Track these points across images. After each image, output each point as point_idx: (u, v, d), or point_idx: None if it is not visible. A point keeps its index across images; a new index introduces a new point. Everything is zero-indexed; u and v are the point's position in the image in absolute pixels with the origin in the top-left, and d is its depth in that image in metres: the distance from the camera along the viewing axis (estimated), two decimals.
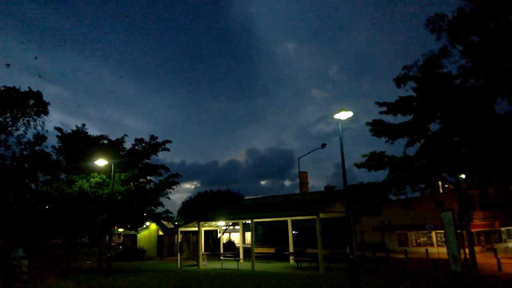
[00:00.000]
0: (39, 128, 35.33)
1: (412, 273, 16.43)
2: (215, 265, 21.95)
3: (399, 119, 18.73)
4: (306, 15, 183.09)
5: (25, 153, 34.94)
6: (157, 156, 24.45)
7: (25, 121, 34.05)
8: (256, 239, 22.80)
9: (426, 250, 26.40)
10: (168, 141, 24.06)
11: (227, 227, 30.18)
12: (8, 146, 33.93)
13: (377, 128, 18.58)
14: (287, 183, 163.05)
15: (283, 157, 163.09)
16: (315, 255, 18.48)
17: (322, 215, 17.98)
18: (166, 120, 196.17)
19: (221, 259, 22.34)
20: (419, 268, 18.54)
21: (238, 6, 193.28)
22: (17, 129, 33.79)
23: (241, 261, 22.39)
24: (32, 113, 34.43)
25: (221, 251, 26.55)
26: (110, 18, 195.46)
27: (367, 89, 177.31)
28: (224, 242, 32.13)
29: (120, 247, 36.24)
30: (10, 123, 33.33)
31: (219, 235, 31.90)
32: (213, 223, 25.04)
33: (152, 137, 23.91)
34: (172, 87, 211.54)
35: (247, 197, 27.67)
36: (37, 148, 34.71)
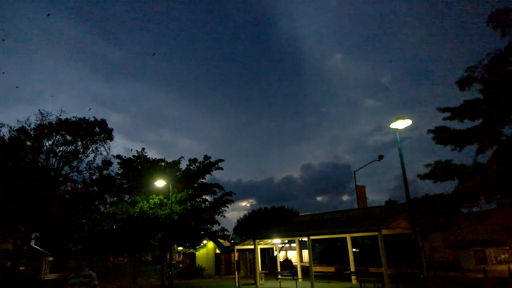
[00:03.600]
0: (104, 153, 38.18)
1: None
2: (273, 284, 21.43)
3: (465, 124, 17.16)
4: (352, 24, 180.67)
5: (93, 177, 37.79)
6: (211, 175, 24.90)
7: (93, 148, 37.09)
8: (313, 257, 21.91)
9: (509, 268, 23.49)
10: (221, 160, 24.42)
11: (283, 244, 29.54)
12: (79, 171, 37.00)
13: (441, 135, 17.13)
14: (344, 198, 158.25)
15: (339, 172, 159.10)
16: (379, 274, 17.22)
17: (384, 231, 16.79)
18: (220, 141, 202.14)
19: (279, 278, 21.76)
20: None
21: (283, 24, 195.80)
22: (87, 156, 36.87)
23: (300, 280, 21.60)
24: (99, 140, 37.39)
25: (278, 270, 25.94)
26: (161, 46, 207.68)
27: (425, 95, 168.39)
28: (281, 260, 31.42)
29: (180, 265, 37.06)
30: (81, 150, 36.46)
31: (275, 253, 31.33)
32: (269, 240, 24.61)
33: (206, 157, 24.42)
34: (224, 109, 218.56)
35: (302, 214, 26.89)
36: (104, 172, 37.47)
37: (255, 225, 34.95)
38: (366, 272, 20.20)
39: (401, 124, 12.90)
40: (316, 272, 21.77)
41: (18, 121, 27.37)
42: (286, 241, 28.65)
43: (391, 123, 13.07)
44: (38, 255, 40.97)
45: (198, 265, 33.26)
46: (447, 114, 17.22)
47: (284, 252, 37.13)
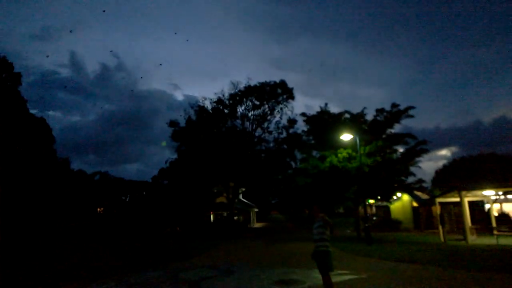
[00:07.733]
0: (289, 113, 41.28)
1: None
2: (487, 240, 18.82)
3: None
4: None
5: (281, 136, 41.63)
6: (400, 124, 23.29)
7: (279, 109, 40.62)
8: None
9: None
10: (411, 107, 22.50)
11: (498, 196, 25.25)
12: (269, 131, 41.51)
13: None
14: None
15: None
16: None
17: None
18: (403, 83, 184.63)
19: (495, 234, 18.90)
20: None
21: None
22: (274, 117, 40.76)
23: None
24: (282, 101, 40.59)
25: (493, 225, 22.49)
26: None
27: None
28: (496, 214, 27.04)
29: (374, 218, 37.10)
30: (268, 112, 40.59)
31: (486, 206, 27.14)
32: (478, 192, 21.52)
33: (393, 105, 22.91)
34: (401, 46, 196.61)
35: None
36: (290, 130, 40.75)
37: (458, 175, 31.11)
38: None
39: None
40: None
41: (215, 93, 32.37)
42: (501, 193, 24.38)
43: None
44: (247, 207, 49.08)
45: (394, 218, 32.52)
46: None
47: (498, 205, 31.96)
